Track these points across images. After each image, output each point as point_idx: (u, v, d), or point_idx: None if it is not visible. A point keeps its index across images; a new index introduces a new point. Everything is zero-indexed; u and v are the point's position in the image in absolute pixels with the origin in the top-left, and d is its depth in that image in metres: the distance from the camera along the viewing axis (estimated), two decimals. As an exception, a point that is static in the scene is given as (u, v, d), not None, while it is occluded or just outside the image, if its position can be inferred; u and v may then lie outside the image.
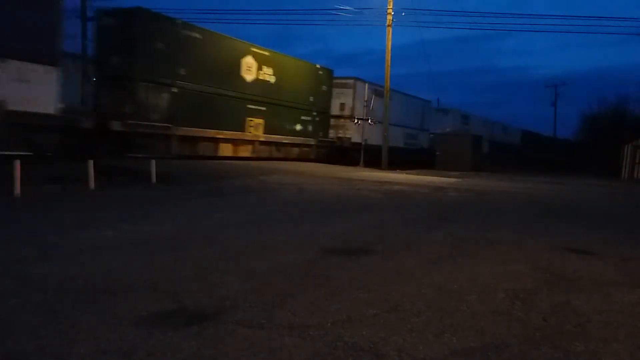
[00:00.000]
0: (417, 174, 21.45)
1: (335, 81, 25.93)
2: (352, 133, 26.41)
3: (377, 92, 27.79)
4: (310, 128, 23.71)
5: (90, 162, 10.00)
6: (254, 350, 2.76)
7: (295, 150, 22.89)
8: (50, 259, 4.52)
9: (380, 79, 26.92)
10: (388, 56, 26.10)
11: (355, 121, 26.75)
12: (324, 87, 24.60)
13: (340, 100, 26.45)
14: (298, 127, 22.86)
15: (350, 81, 26.59)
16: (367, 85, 27.39)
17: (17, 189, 8.45)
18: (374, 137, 27.37)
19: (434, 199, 12.13)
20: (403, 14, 26.81)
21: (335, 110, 26.16)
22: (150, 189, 10.80)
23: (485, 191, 14.83)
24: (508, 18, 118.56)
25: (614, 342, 3.18)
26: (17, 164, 8.50)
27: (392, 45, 26.38)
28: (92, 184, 9.91)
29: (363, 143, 26.26)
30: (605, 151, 35.35)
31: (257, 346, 2.82)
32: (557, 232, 7.68)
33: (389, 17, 26.00)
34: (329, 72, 25.28)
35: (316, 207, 9.43)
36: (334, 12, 39.60)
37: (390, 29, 26.09)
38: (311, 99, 23.50)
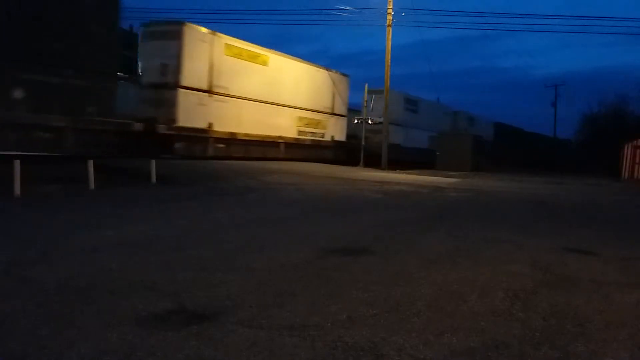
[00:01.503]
0: (418, 174, 21.45)
1: (150, 29, 17.41)
2: (182, 113, 17.15)
3: (234, 51, 19.04)
4: (55, 99, 13.00)
5: (90, 162, 10.01)
6: (254, 350, 2.76)
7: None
8: (50, 259, 4.52)
9: (380, 79, 26.74)
10: (388, 56, 26.09)
11: (355, 121, 26.41)
12: (95, 27, 13.73)
13: (161, 59, 17.12)
14: (19, 94, 12.11)
15: (176, 27, 17.19)
16: (211, 37, 18.04)
17: (17, 189, 8.45)
18: (227, 120, 18.91)
19: (434, 199, 12.13)
20: (403, 14, 26.84)
21: (152, 75, 17.29)
22: (150, 189, 10.80)
23: (485, 191, 14.83)
24: (508, 18, 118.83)
25: (614, 343, 3.18)
26: (17, 163, 8.50)
27: (392, 45, 26.39)
28: (92, 184, 9.92)
29: (363, 143, 26.14)
30: (604, 151, 35.35)
31: (257, 346, 2.82)
32: (557, 232, 7.68)
33: (389, 17, 26.00)
34: (114, 2, 14.36)
35: (316, 206, 9.43)
36: (334, 12, 39.36)
37: (390, 29, 26.09)
38: (57, 46, 12.82)
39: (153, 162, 11.56)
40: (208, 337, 2.92)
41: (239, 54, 19.44)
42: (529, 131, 53.39)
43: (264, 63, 20.19)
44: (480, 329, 3.27)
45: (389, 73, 26.16)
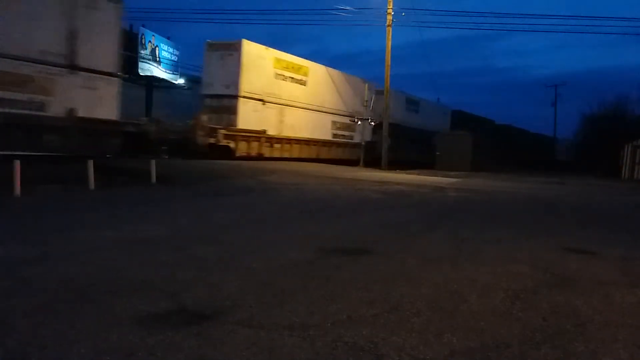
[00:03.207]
0: (418, 174, 21.45)
1: None
2: None
3: None
4: None
5: (90, 162, 10.01)
6: (254, 350, 2.76)
7: None
8: (50, 259, 4.52)
9: (379, 79, 26.62)
10: (388, 56, 26.09)
11: (357, 122, 26.38)
12: None
13: None
14: None
15: None
16: None
17: (17, 189, 8.45)
18: None
19: (434, 199, 12.13)
20: (403, 14, 26.83)
21: None
22: (150, 189, 10.80)
23: (485, 191, 14.83)
24: (508, 18, 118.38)
25: (613, 342, 3.17)
26: (17, 164, 8.50)
27: (392, 45, 26.38)
28: (92, 184, 9.92)
29: (363, 143, 26.14)
30: (604, 151, 35.30)
31: (257, 346, 2.82)
32: (557, 232, 7.68)
33: (389, 17, 26.00)
34: None
35: (316, 207, 9.42)
36: (333, 12, 39.12)
37: (390, 29, 26.09)
38: None
39: (153, 162, 11.58)
40: (208, 337, 2.92)
41: None
42: (502, 123, 46.19)
43: None
44: (480, 329, 3.27)
45: (389, 73, 26.17)
